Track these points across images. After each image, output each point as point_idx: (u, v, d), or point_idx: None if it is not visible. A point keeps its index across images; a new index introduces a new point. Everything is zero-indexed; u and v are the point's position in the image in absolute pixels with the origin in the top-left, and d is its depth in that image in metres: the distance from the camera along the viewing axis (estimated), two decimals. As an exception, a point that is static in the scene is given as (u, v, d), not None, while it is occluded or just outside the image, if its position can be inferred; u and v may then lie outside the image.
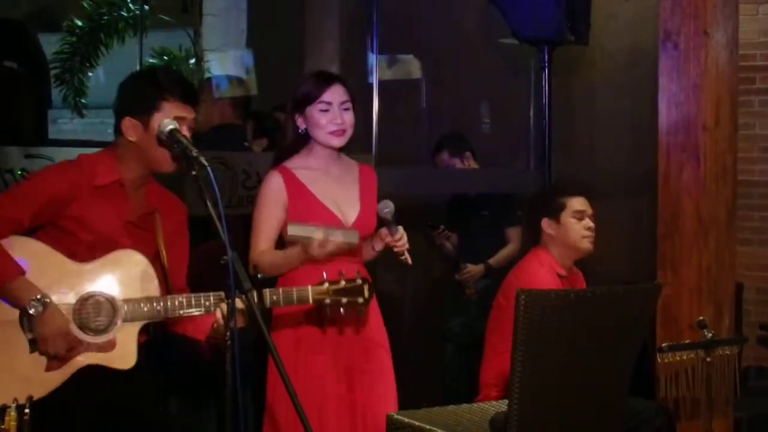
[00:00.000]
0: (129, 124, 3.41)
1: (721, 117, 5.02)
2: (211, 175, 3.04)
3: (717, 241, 5.02)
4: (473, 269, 6.20)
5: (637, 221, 6.21)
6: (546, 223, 4.64)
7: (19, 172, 4.46)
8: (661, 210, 5.13)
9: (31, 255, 3.30)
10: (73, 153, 4.31)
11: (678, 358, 4.57)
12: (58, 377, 3.28)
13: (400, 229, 3.87)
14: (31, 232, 3.36)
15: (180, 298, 3.35)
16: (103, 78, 10.34)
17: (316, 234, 3.71)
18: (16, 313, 3.27)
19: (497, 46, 7.18)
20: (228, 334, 2.99)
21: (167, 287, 3.46)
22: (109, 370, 3.32)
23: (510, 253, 6.21)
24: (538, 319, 3.48)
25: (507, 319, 4.06)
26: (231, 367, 2.96)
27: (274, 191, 3.95)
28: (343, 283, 3.57)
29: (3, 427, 2.55)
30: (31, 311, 3.22)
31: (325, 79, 4.01)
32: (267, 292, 3.49)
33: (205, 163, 3.09)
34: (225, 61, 9.02)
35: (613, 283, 4.80)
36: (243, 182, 5.17)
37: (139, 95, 3.43)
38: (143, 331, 3.39)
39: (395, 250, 3.88)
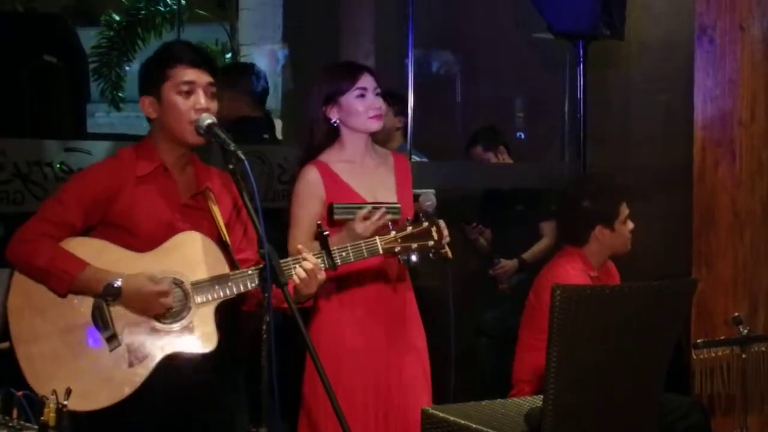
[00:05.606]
0: (146, 102, 3.40)
1: (756, 112, 5.00)
2: (248, 168, 3.05)
3: (752, 236, 5.01)
4: (507, 264, 6.19)
5: (672, 215, 6.17)
6: (599, 230, 4.51)
7: (58, 166, 4.49)
8: (697, 205, 5.12)
9: (91, 252, 3.24)
10: (110, 146, 4.36)
11: (713, 354, 4.56)
12: (142, 371, 3.22)
13: (441, 222, 3.81)
14: (85, 233, 3.32)
15: (249, 272, 3.29)
16: (140, 72, 10.40)
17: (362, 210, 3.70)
18: (87, 316, 3.22)
19: (532, 41, 7.16)
20: (264, 327, 2.97)
21: (233, 263, 3.37)
22: (190, 356, 3.25)
23: (544, 247, 6.18)
24: (573, 313, 3.48)
25: (539, 318, 4.06)
26: (267, 361, 2.94)
27: (311, 185, 3.91)
28: (409, 228, 3.52)
29: (42, 419, 2.55)
30: (110, 299, 3.18)
31: (355, 68, 4.03)
32: (336, 249, 3.43)
33: (243, 157, 3.09)
34: (260, 56, 9.06)
35: (648, 278, 4.79)
36: (279, 176, 5.19)
37: (149, 72, 3.43)
38: (219, 310, 3.31)
39: None
